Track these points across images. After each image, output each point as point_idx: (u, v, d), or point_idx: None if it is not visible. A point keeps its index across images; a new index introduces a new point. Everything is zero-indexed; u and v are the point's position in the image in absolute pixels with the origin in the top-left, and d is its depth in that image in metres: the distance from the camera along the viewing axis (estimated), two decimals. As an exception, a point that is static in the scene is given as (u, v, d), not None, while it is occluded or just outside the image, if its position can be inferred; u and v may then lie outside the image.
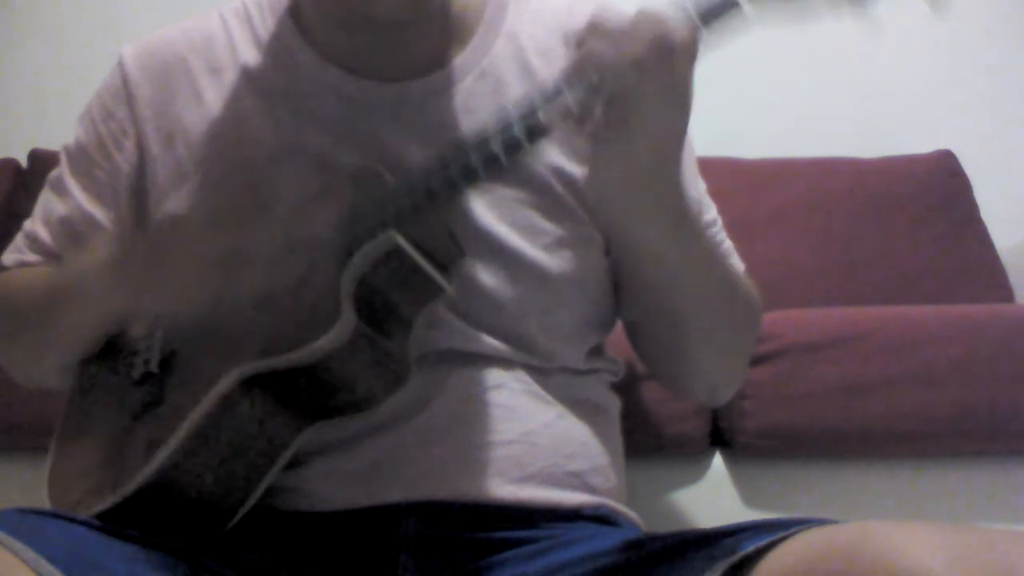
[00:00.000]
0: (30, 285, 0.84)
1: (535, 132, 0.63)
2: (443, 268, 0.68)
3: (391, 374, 0.68)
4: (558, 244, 0.79)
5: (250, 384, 0.66)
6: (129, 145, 0.83)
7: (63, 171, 0.87)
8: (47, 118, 1.58)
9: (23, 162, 1.67)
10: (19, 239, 0.90)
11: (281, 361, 0.65)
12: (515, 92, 0.79)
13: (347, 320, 0.64)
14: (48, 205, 0.88)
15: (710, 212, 0.88)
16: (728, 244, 0.89)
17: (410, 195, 0.67)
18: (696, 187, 0.87)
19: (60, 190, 0.87)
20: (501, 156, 0.64)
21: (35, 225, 0.88)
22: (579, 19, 0.83)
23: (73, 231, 0.86)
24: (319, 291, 0.67)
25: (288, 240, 0.68)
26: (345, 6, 0.77)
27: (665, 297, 0.78)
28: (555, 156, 0.80)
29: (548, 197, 0.79)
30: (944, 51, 1.97)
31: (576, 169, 0.80)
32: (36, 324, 0.82)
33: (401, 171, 0.71)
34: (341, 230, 0.69)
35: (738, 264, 0.88)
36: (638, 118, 0.64)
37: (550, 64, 0.80)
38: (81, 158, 0.86)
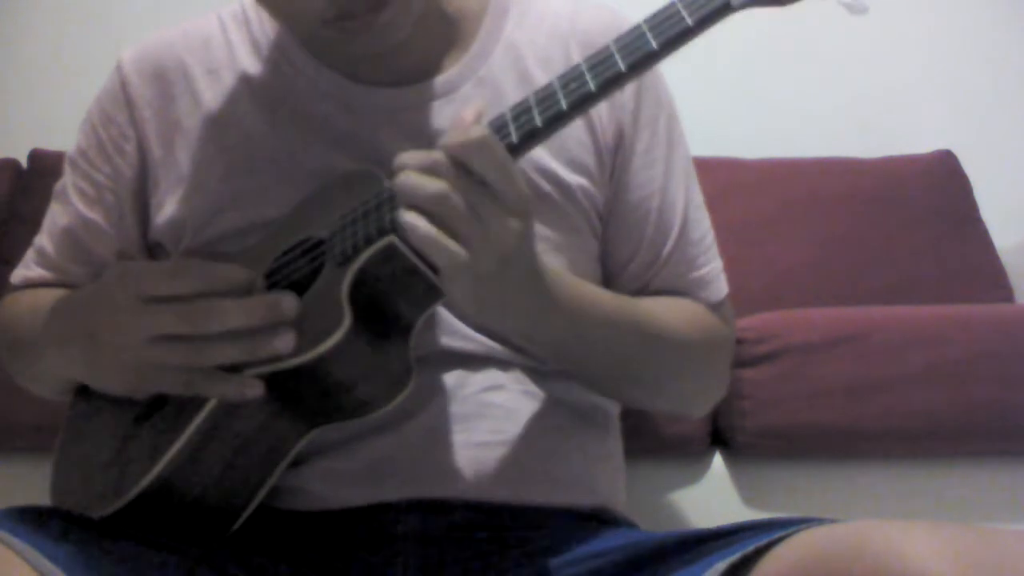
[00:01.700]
0: (19, 320, 0.84)
1: (529, 134, 0.63)
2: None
3: (392, 378, 0.68)
4: (553, 249, 0.79)
5: None
6: (130, 149, 0.84)
7: (66, 181, 0.88)
8: (47, 118, 1.58)
9: (23, 162, 1.67)
10: (28, 254, 0.90)
11: (283, 364, 0.65)
12: (513, 100, 0.79)
13: (347, 322, 0.64)
14: (53, 217, 0.89)
15: (698, 229, 0.86)
16: (712, 267, 0.86)
17: None
18: (688, 201, 0.86)
19: (63, 200, 0.87)
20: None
21: (42, 239, 0.89)
22: (581, 26, 0.83)
23: (76, 239, 0.86)
24: (321, 296, 0.67)
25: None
26: (324, 42, 0.77)
27: (576, 371, 0.79)
28: (551, 163, 0.79)
29: (544, 203, 0.79)
30: (944, 51, 1.97)
31: (572, 178, 0.80)
32: (23, 357, 0.84)
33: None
34: (340, 235, 0.69)
35: (719, 290, 0.86)
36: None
37: (550, 72, 0.79)
38: (82, 164, 0.86)
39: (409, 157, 0.61)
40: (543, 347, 0.75)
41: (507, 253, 0.61)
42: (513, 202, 0.61)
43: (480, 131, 0.59)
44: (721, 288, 0.86)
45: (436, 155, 0.60)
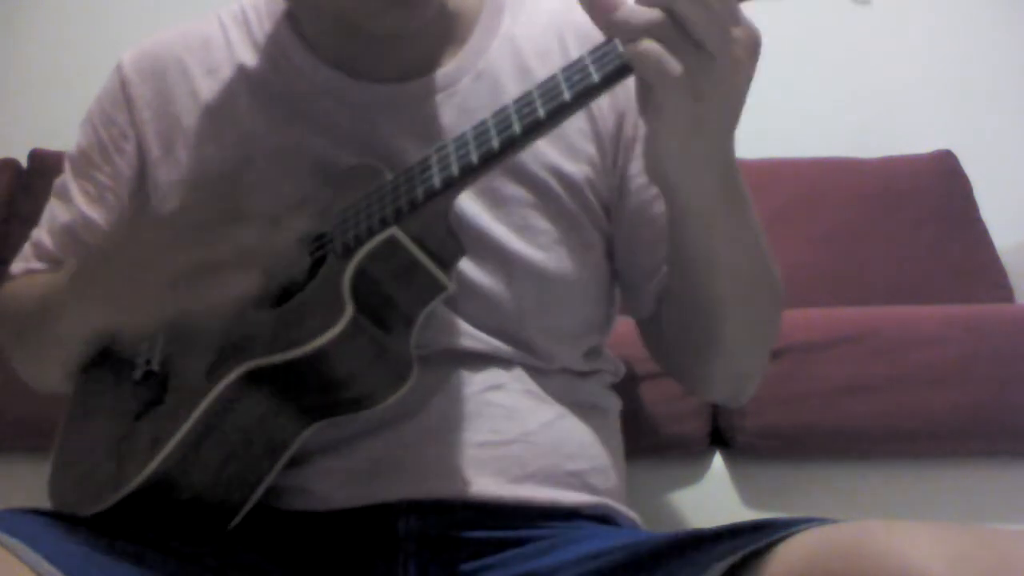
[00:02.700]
0: (29, 294, 0.84)
1: (531, 126, 0.63)
2: (443, 265, 0.68)
3: (392, 372, 0.68)
4: (555, 244, 0.79)
5: (252, 380, 0.66)
6: (130, 148, 0.84)
7: (66, 178, 0.88)
8: (47, 118, 1.59)
9: (23, 162, 1.67)
10: (26, 248, 0.90)
11: (283, 356, 0.65)
12: (512, 93, 0.79)
13: (348, 314, 0.64)
14: (52, 212, 0.89)
15: None
16: None
17: (408, 191, 0.66)
18: None
19: (63, 197, 0.88)
20: (497, 149, 0.64)
21: (40, 233, 0.89)
22: (577, 18, 0.83)
23: (76, 237, 0.86)
24: (322, 288, 0.67)
25: (263, 247, 0.65)
26: (345, 22, 0.77)
27: (711, 273, 0.76)
28: (554, 156, 0.80)
29: (545, 197, 0.79)
30: (944, 51, 1.97)
31: (574, 168, 0.80)
32: (33, 333, 0.83)
33: (399, 168, 0.71)
34: (342, 228, 0.69)
35: None
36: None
37: (547, 64, 0.79)
38: (83, 163, 0.86)
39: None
40: (699, 209, 0.71)
41: (736, 98, 0.62)
42: (741, 34, 0.59)
43: None
44: None
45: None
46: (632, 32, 0.59)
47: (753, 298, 0.78)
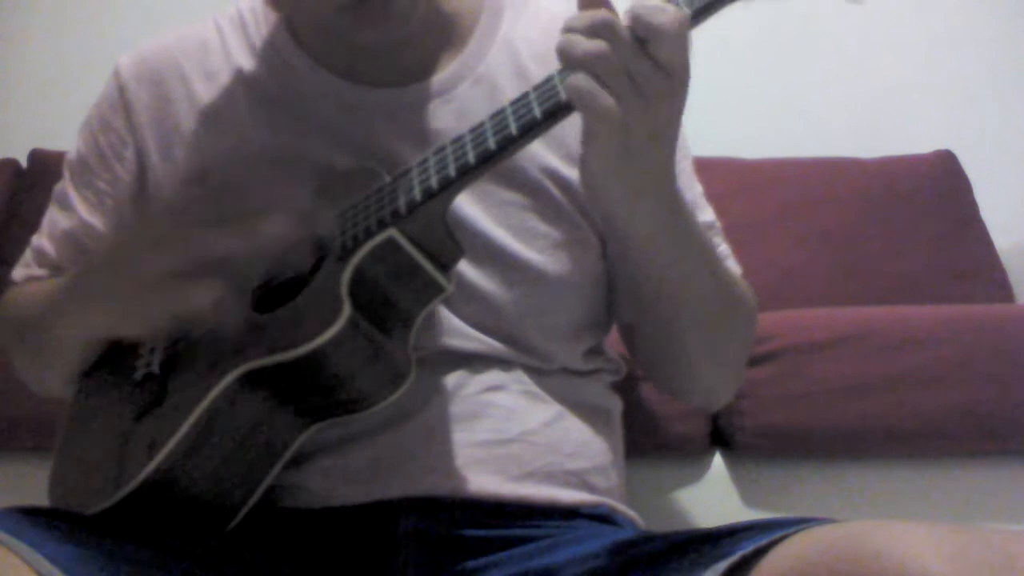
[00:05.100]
0: (30, 301, 0.84)
1: (528, 126, 0.63)
2: (442, 266, 0.68)
3: (391, 373, 0.68)
4: (554, 247, 0.79)
5: (251, 382, 0.67)
6: (128, 154, 0.84)
7: (66, 184, 0.88)
8: (47, 118, 1.58)
9: (23, 162, 1.67)
10: (28, 254, 0.90)
11: (281, 357, 0.65)
12: (510, 97, 0.79)
13: (345, 314, 0.64)
14: (53, 219, 0.89)
15: (706, 214, 0.87)
16: (725, 248, 0.88)
17: (407, 192, 0.67)
18: (692, 189, 0.87)
19: (63, 204, 0.88)
20: (495, 149, 0.64)
21: (41, 240, 0.89)
22: None
23: (77, 243, 0.87)
24: (320, 289, 0.67)
25: (258, 245, 0.64)
26: (332, 32, 0.77)
27: (659, 296, 0.78)
28: (550, 159, 0.80)
29: (544, 200, 0.79)
30: (944, 51, 1.97)
31: (571, 172, 0.80)
32: (33, 340, 0.83)
33: (397, 170, 0.71)
34: (341, 230, 0.69)
35: (735, 267, 0.88)
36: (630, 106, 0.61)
37: (547, 68, 0.79)
38: (82, 170, 0.86)
39: (578, 17, 0.61)
40: (635, 235, 0.72)
41: (660, 130, 0.62)
42: (680, 83, 0.61)
43: (674, 15, 0.59)
44: (737, 264, 0.88)
45: (602, 15, 0.60)
46: (569, 64, 0.60)
47: (710, 320, 0.79)
